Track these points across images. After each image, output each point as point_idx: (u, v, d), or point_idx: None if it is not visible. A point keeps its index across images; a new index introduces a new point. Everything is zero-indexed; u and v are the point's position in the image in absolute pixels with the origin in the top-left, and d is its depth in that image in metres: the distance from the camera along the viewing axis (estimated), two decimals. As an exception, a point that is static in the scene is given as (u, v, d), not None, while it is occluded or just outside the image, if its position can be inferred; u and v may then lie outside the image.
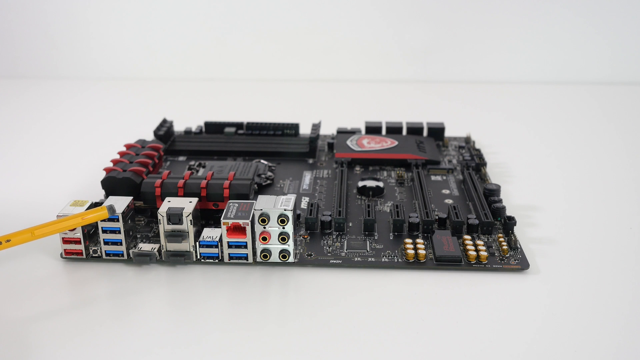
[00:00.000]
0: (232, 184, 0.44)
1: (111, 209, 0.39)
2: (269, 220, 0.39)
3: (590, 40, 0.84)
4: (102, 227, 0.40)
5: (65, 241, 0.40)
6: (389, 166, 0.55)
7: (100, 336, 0.34)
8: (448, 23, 0.85)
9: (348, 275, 0.39)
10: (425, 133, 0.61)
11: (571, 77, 0.85)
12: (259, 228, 0.39)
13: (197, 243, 0.40)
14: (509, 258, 0.40)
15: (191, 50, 0.88)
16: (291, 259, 0.40)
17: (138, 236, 0.43)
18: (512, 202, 0.49)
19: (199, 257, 0.40)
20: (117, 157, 0.48)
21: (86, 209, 0.40)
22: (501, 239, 0.42)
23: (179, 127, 0.63)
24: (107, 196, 0.45)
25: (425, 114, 0.68)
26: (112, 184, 0.45)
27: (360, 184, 0.50)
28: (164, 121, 0.60)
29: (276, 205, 0.39)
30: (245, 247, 0.39)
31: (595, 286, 0.38)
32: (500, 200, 0.46)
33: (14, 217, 0.47)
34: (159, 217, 0.39)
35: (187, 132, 0.61)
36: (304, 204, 0.48)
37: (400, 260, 0.40)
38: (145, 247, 0.41)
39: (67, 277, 0.39)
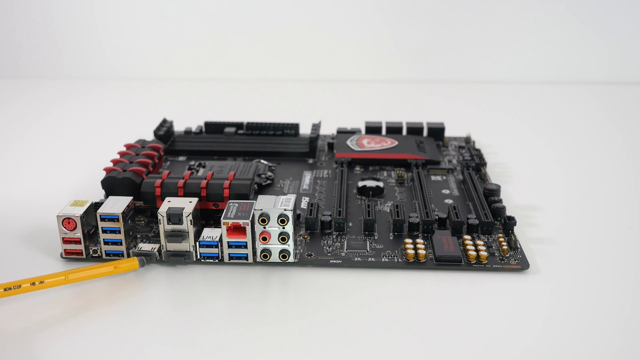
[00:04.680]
0: (232, 184, 0.44)
1: (142, 261, 0.40)
2: (269, 220, 0.39)
3: (590, 41, 0.84)
4: (102, 227, 0.40)
5: (65, 241, 0.40)
6: (389, 166, 0.55)
7: (100, 336, 0.34)
8: (448, 23, 0.85)
9: (348, 275, 0.39)
10: (425, 133, 0.61)
11: (571, 77, 0.85)
12: (259, 228, 0.39)
13: (197, 243, 0.40)
14: (509, 258, 0.40)
15: (191, 50, 0.88)
16: (291, 259, 0.40)
17: (138, 236, 0.43)
18: (512, 202, 0.49)
19: (199, 257, 0.40)
20: (117, 157, 0.48)
21: (86, 209, 0.40)
22: (501, 239, 0.42)
23: (179, 127, 0.63)
24: (107, 196, 0.45)
25: (425, 114, 0.68)
26: (112, 184, 0.45)
27: (360, 184, 0.50)
28: (164, 121, 0.60)
29: (276, 205, 0.39)
30: (245, 247, 0.39)
31: (595, 286, 0.38)
32: (500, 200, 0.46)
33: (14, 217, 0.47)
34: (159, 217, 0.39)
35: (187, 132, 0.61)
36: (304, 204, 0.48)
37: (400, 260, 0.40)
38: (145, 247, 0.41)
39: (67, 277, 0.39)
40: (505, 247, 0.41)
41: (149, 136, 0.61)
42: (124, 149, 0.50)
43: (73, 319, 0.35)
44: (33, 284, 0.37)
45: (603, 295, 0.37)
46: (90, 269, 0.38)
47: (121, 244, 0.40)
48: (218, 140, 0.59)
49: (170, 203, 0.40)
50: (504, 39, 0.85)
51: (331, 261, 0.40)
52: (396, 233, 0.43)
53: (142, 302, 0.37)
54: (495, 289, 0.38)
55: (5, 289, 0.36)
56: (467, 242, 0.41)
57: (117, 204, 0.41)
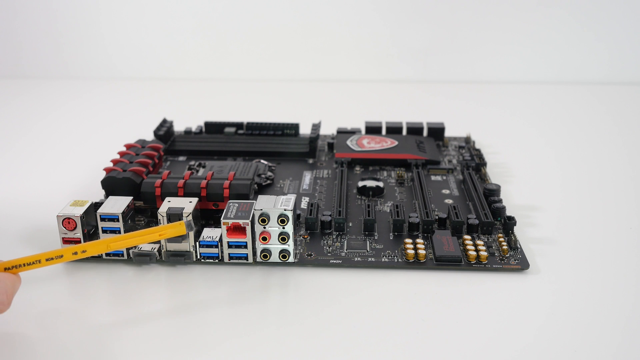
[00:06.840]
0: (232, 184, 0.44)
1: (189, 225, 0.37)
2: (269, 220, 0.39)
3: (590, 41, 0.84)
4: (102, 227, 0.40)
5: (65, 241, 0.40)
6: (389, 166, 0.55)
7: (99, 336, 0.34)
8: (448, 23, 0.85)
9: (348, 275, 0.39)
10: (425, 133, 0.61)
11: (571, 77, 0.85)
12: (259, 228, 0.39)
13: (197, 243, 0.40)
14: (509, 258, 0.40)
15: (191, 50, 0.88)
16: (291, 259, 0.40)
17: (138, 236, 0.43)
18: (512, 202, 0.49)
19: (199, 257, 0.40)
20: (117, 157, 0.48)
21: (86, 209, 0.40)
22: (501, 239, 0.42)
23: (179, 127, 0.63)
24: (107, 196, 0.45)
25: (425, 114, 0.68)
26: (112, 184, 0.45)
27: (360, 184, 0.50)
28: (164, 121, 0.60)
29: (276, 205, 0.39)
30: (245, 247, 0.39)
31: (595, 286, 0.38)
32: (500, 200, 0.46)
33: (14, 217, 0.47)
34: (159, 217, 0.39)
35: (187, 132, 0.61)
36: (304, 204, 0.48)
37: (400, 260, 0.40)
38: (145, 247, 0.41)
39: (67, 277, 0.39)
40: (505, 247, 0.41)
41: (149, 136, 0.61)
42: (124, 149, 0.50)
43: (72, 319, 0.35)
44: (75, 253, 0.35)
45: (603, 295, 0.37)
46: (131, 237, 0.36)
47: (121, 244, 0.40)
48: (218, 140, 0.59)
49: (170, 203, 0.40)
50: (504, 39, 0.85)
51: (331, 261, 0.40)
52: (396, 233, 0.43)
53: (142, 302, 0.37)
54: (495, 289, 0.38)
55: (32, 262, 0.34)
56: (467, 242, 0.41)
57: (117, 204, 0.41)
